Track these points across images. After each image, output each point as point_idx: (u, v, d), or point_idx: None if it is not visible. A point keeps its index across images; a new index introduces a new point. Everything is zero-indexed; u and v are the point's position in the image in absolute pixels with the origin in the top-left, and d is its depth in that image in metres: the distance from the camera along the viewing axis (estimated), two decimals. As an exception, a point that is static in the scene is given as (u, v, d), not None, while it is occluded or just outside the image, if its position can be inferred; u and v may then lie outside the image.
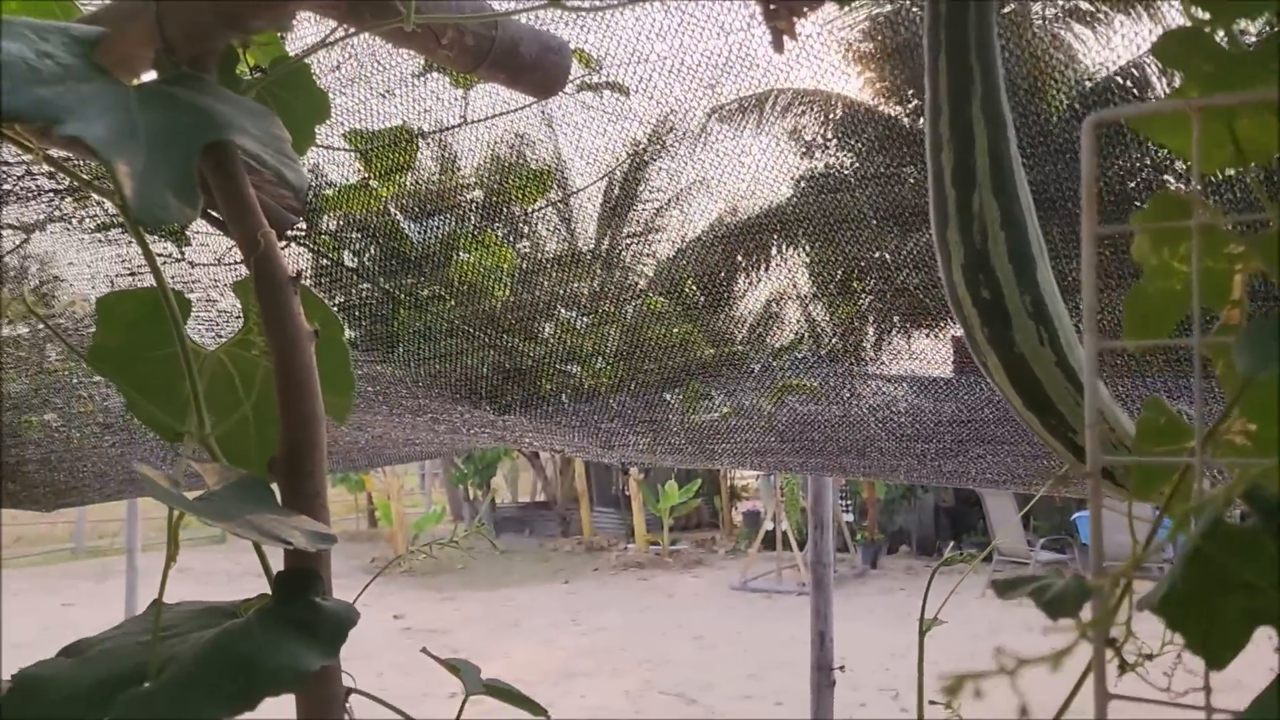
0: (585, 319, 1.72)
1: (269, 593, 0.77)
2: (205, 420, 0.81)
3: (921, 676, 0.98)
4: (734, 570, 12.08)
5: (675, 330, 1.76)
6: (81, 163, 1.71)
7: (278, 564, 0.79)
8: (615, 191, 1.90)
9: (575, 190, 1.76)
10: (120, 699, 0.65)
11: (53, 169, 1.57)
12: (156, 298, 0.83)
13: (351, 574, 13.24)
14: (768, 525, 11.81)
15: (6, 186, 1.63)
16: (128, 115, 0.71)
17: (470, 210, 1.63)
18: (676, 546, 14.06)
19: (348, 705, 0.81)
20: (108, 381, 2.71)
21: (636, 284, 1.90)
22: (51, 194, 1.76)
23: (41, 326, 2.31)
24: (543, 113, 1.58)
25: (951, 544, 11.16)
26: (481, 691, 0.89)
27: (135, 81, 0.83)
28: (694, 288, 1.87)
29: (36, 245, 1.87)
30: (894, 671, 7.44)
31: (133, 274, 1.93)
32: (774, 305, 2.10)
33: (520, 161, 1.62)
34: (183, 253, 1.78)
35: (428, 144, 1.38)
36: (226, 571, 13.35)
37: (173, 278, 1.69)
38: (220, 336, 1.91)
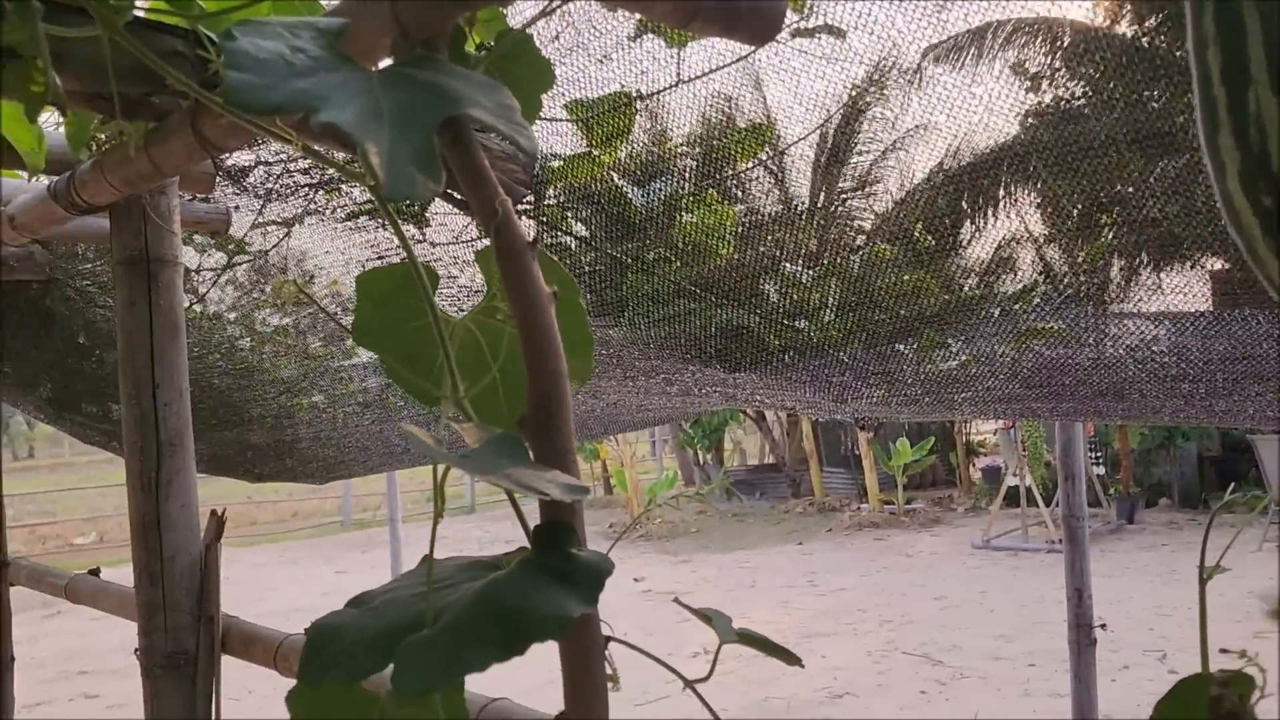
0: (810, 272, 1.68)
1: (527, 547, 0.80)
2: (458, 384, 0.85)
3: (1205, 630, 0.90)
4: (974, 528, 11.64)
5: (905, 278, 1.70)
6: (329, 152, 1.84)
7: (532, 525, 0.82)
8: (831, 141, 1.84)
9: (793, 142, 1.72)
10: (404, 644, 0.70)
11: (311, 160, 1.70)
12: (407, 272, 0.88)
13: (592, 539, 13.67)
14: (1009, 481, 11.28)
15: (270, 185, 1.78)
16: (373, 99, 0.74)
17: (689, 171, 1.62)
18: (912, 505, 13.70)
19: (607, 654, 0.83)
20: (363, 364, 2.92)
21: (860, 233, 1.84)
22: (307, 188, 1.90)
23: (304, 315, 2.51)
24: (753, 66, 1.55)
25: (1231, 490, 10.22)
26: (735, 640, 0.89)
27: (374, 68, 0.88)
28: (923, 233, 1.79)
29: (295, 238, 2.03)
30: (1159, 631, 6.96)
31: (380, 257, 2.06)
32: (1009, 247, 1.98)
33: (735, 118, 1.60)
34: (423, 234, 1.88)
35: (646, 106, 1.38)
36: (477, 539, 14.17)
37: (421, 256, 1.80)
38: (461, 309, 2.01)
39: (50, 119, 1.53)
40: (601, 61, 1.24)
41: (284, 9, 1.04)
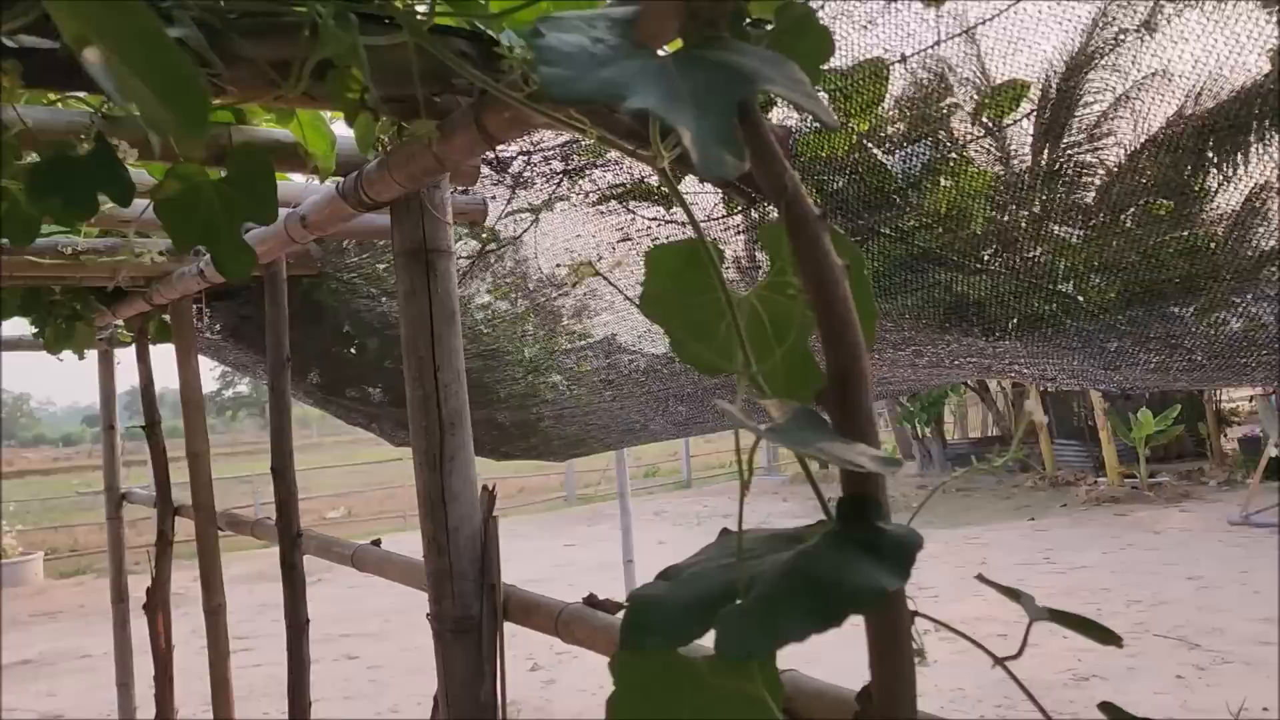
0: (1079, 232, 1.59)
1: (824, 520, 0.80)
2: (751, 359, 0.86)
3: None
4: (1231, 503, 10.74)
5: (1185, 235, 1.58)
6: (580, 142, 1.90)
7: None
8: (1081, 95, 1.73)
9: (1052, 100, 1.63)
10: (721, 614, 0.71)
11: (566, 148, 1.76)
12: (693, 250, 0.90)
13: (811, 514, 13.61)
14: (1271, 452, 10.33)
15: (525, 174, 1.86)
16: (674, 82, 0.76)
17: (945, 134, 1.57)
18: (1156, 479, 12.79)
19: (913, 629, 0.82)
20: (602, 341, 3.01)
21: (1130, 189, 1.72)
22: (558, 176, 1.97)
23: (552, 297, 2.60)
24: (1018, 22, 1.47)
25: None
26: (1045, 618, 0.86)
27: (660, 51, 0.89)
28: (1202, 183, 1.66)
29: (544, 224, 2.11)
30: None
31: (626, 238, 2.11)
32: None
33: (992, 76, 1.53)
34: (670, 213, 1.90)
35: (906, 69, 1.35)
36: (696, 514, 14.37)
37: (667, 237, 1.83)
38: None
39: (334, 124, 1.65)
40: (865, 28, 1.21)
41: (563, 4, 1.08)
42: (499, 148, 1.70)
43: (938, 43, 1.44)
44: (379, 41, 0.97)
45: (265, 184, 1.06)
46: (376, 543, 2.14)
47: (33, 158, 1.28)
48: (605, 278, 1.57)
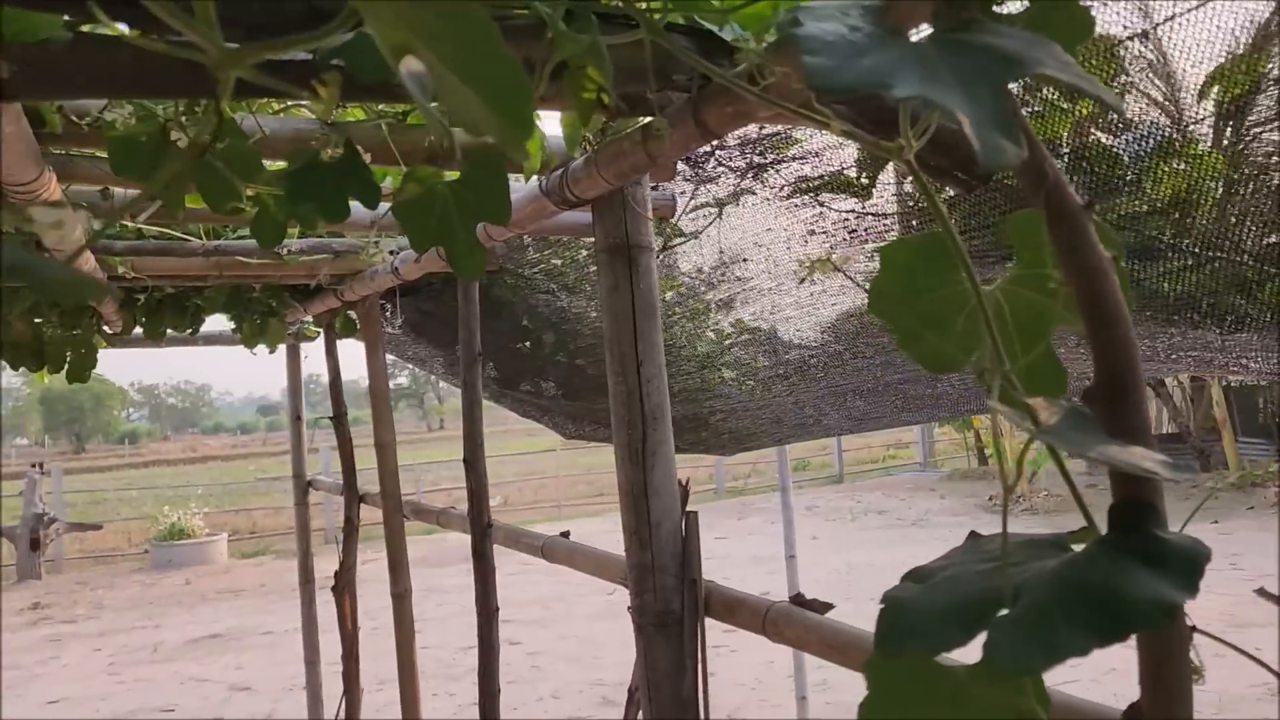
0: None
1: (1085, 527, 0.75)
2: (1004, 357, 0.82)
3: None
4: None
5: None
6: (780, 131, 1.88)
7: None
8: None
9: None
10: (993, 623, 0.68)
11: (753, 141, 1.74)
12: (929, 243, 0.86)
13: (971, 512, 13.24)
14: None
15: (721, 168, 1.85)
16: (937, 68, 0.72)
17: (1171, 113, 1.47)
18: (1356, 481, 11.83)
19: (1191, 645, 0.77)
20: (770, 335, 2.98)
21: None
22: (746, 170, 1.95)
23: (722, 292, 2.58)
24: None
25: None
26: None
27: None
28: None
29: (735, 218, 2.09)
30: None
31: (811, 233, 2.08)
32: None
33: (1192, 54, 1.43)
34: (864, 206, 1.86)
35: (1146, 45, 1.27)
36: (849, 509, 14.13)
37: (866, 230, 1.79)
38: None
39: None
40: (1105, 2, 1.15)
41: (784, 1, 1.06)
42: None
43: (1171, 18, 1.36)
44: (613, 40, 0.97)
45: (499, 185, 1.08)
46: (565, 534, 2.18)
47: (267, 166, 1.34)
48: (843, 272, 1.54)
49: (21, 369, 3.61)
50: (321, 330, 4.08)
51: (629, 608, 1.63)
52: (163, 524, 14.05)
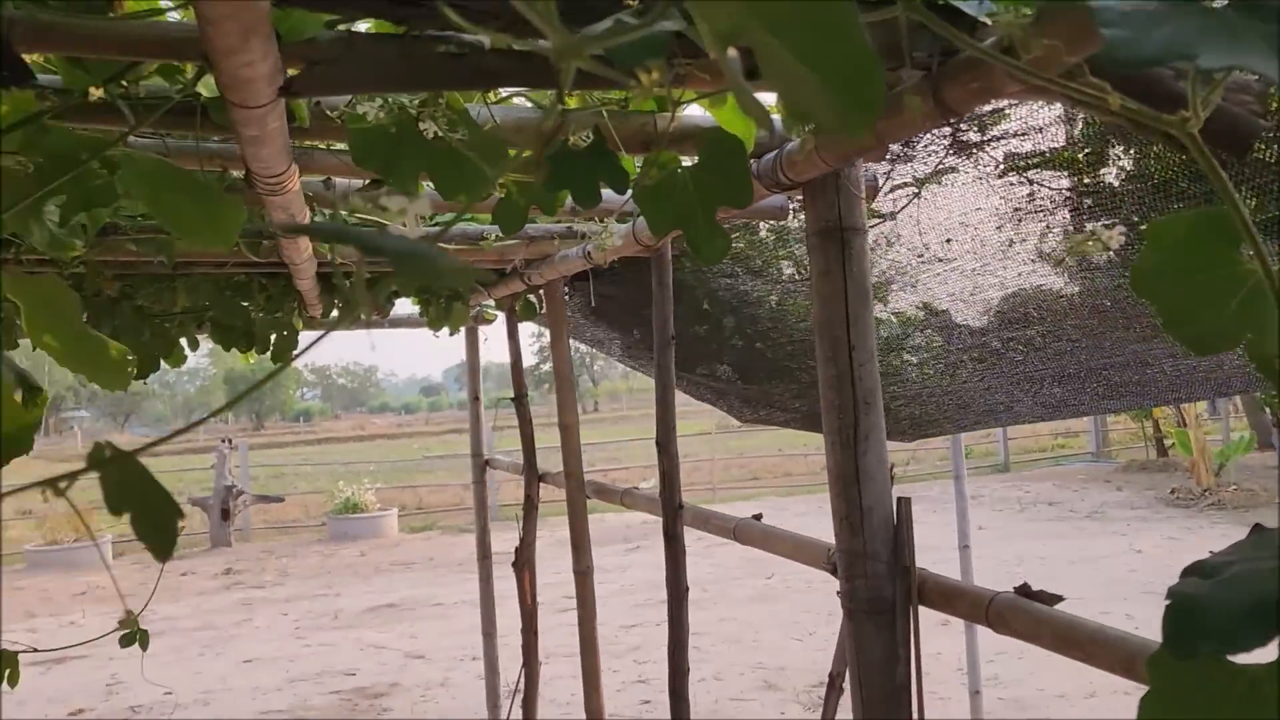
0: None
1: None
2: (1303, 341, 0.77)
3: None
4: None
5: None
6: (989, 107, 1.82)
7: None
8: None
9: None
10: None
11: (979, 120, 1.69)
12: (1204, 220, 0.81)
13: (1151, 505, 12.56)
14: None
15: (933, 148, 1.80)
16: (1243, 35, 0.68)
17: None
18: None
19: None
20: (964, 322, 2.89)
21: None
22: (951, 146, 1.89)
23: (919, 274, 2.52)
24: None
25: None
26: None
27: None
28: None
29: (939, 197, 2.04)
30: None
31: (1016, 210, 2.00)
32: None
33: None
34: (1082, 183, 1.78)
35: None
36: (1017, 499, 13.63)
37: (1088, 208, 1.71)
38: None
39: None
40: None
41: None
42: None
43: None
44: (870, 18, 0.96)
45: (739, 168, 1.08)
46: (758, 517, 2.18)
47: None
48: (1109, 248, 1.49)
49: (209, 350, 3.86)
50: (502, 313, 4.20)
51: (838, 592, 1.62)
52: (338, 498, 14.82)
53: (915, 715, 1.57)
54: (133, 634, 2.35)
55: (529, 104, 1.51)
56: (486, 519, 4.98)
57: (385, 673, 7.45)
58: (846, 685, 1.93)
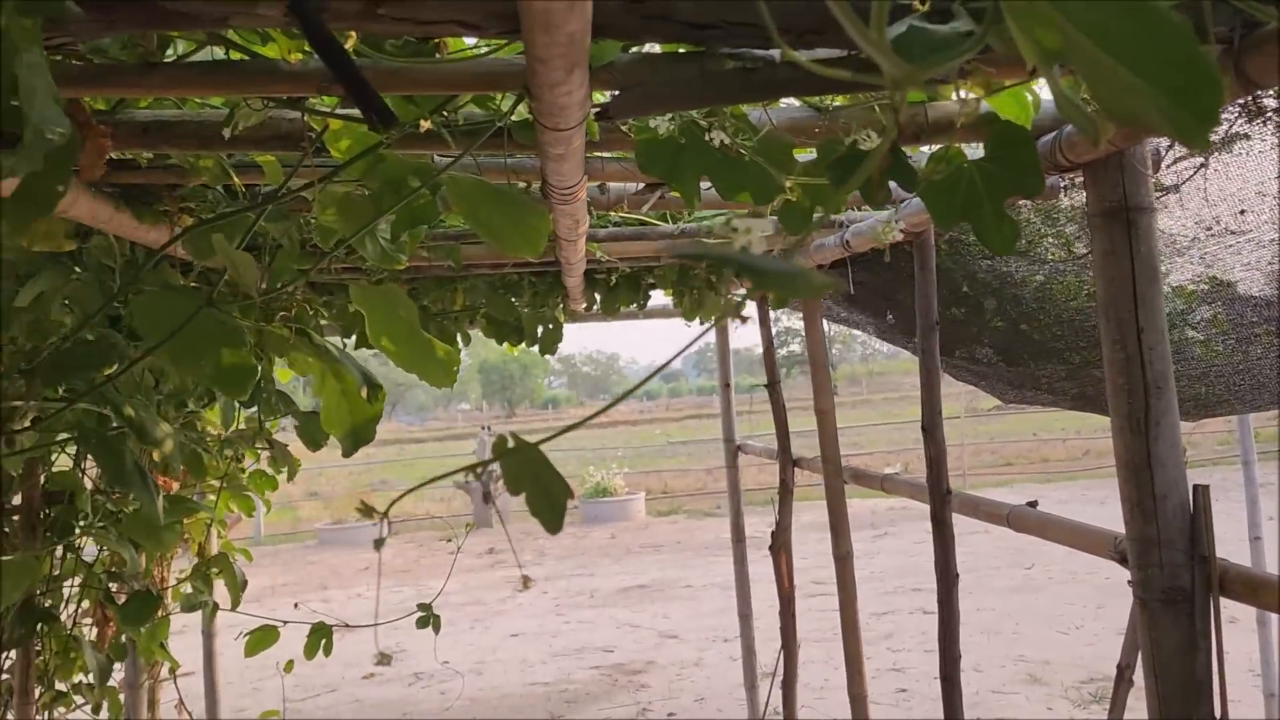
0: None
1: None
2: None
3: None
4: None
5: None
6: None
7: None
8: None
9: None
10: None
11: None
12: None
13: None
14: None
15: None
16: None
17: None
18: None
19: None
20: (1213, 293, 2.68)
21: None
22: (1242, 111, 1.78)
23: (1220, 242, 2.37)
24: None
25: None
26: None
27: None
28: None
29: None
30: None
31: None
32: None
33: None
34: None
35: None
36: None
37: None
38: None
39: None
40: None
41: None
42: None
43: None
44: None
45: (1029, 157, 1.09)
46: (1033, 504, 2.14)
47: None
48: None
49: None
50: (754, 302, 4.27)
51: (1129, 581, 1.57)
52: (588, 483, 15.46)
53: (1218, 712, 1.51)
54: (426, 618, 2.64)
55: (797, 103, 1.57)
56: (739, 502, 5.08)
57: (641, 651, 7.74)
58: (1136, 678, 1.87)
